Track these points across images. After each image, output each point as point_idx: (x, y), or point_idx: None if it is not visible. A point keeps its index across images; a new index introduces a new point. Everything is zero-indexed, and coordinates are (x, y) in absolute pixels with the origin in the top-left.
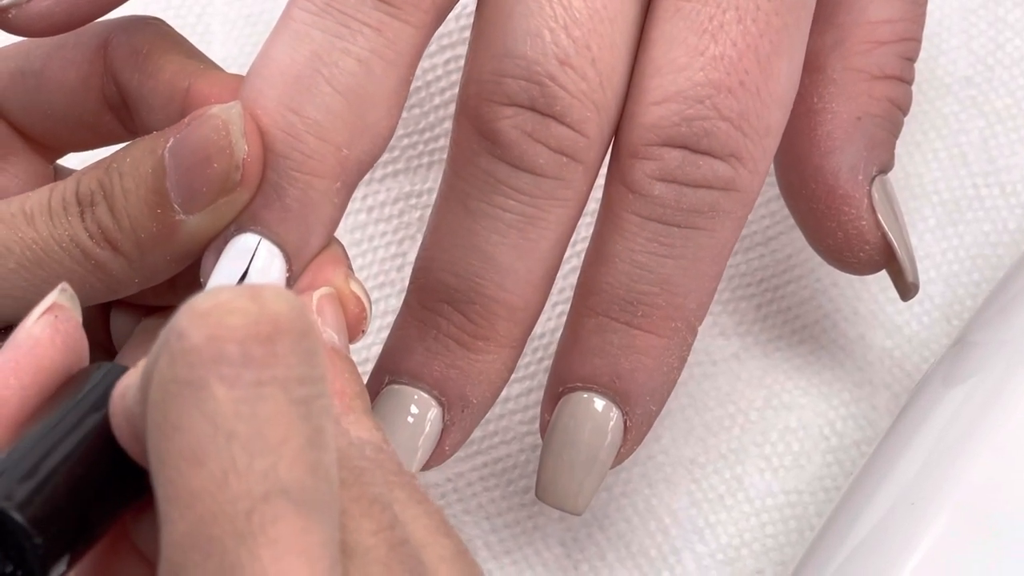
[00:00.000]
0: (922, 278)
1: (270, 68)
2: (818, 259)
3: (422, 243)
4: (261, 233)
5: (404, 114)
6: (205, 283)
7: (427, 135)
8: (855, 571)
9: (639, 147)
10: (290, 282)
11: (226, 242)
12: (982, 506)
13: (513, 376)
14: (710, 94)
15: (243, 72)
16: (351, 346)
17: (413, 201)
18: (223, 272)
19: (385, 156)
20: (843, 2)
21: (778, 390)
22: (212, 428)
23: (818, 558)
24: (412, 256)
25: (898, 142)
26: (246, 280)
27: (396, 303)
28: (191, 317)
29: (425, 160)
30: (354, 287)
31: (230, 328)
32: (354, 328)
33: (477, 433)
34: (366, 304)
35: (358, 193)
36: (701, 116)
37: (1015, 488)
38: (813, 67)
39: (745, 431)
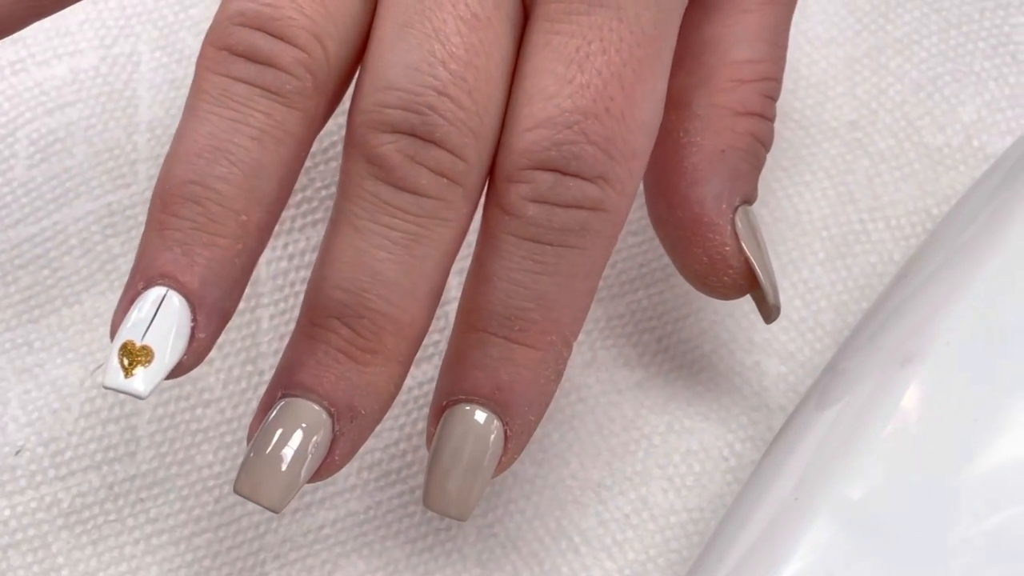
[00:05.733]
0: (813, 308)
1: (177, 148)
2: None
3: (314, 266)
4: (168, 285)
5: (323, 167)
6: (112, 337)
7: None
8: (746, 568)
9: (513, 171)
10: (195, 332)
11: (133, 301)
12: (857, 519)
13: (428, 402)
14: (578, 120)
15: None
16: None
17: None
18: (132, 320)
19: (306, 207)
20: (709, 43)
21: (680, 416)
22: None
23: (708, 560)
24: None
25: (789, 182)
26: (152, 327)
27: None
28: None
29: None
30: None
31: None
32: None
33: (395, 463)
34: None
35: (279, 241)
36: (570, 141)
37: (880, 504)
38: (680, 103)
39: (649, 454)
